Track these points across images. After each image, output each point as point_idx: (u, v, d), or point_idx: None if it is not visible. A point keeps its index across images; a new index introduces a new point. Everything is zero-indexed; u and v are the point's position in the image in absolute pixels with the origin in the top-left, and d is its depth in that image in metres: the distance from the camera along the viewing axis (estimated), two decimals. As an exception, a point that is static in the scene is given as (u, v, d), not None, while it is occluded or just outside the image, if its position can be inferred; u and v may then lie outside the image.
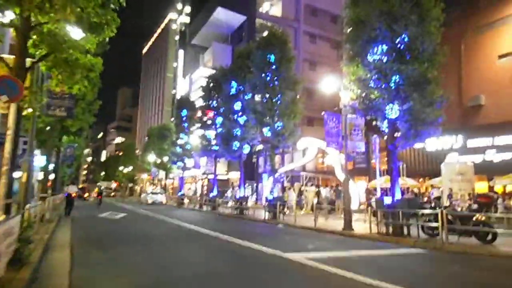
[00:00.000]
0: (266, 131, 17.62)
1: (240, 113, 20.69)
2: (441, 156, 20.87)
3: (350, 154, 13.10)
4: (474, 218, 9.02)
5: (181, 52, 54.60)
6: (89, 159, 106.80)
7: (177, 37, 58.17)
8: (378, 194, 12.35)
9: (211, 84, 25.11)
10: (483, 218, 8.89)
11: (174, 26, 59.90)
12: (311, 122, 35.66)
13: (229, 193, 29.86)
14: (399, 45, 10.54)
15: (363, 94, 11.21)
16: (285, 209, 17.76)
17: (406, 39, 10.43)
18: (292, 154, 27.78)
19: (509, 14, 26.40)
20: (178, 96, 44.58)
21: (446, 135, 20.86)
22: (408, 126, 10.52)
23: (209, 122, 25.22)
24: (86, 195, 46.66)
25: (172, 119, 44.20)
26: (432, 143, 22.06)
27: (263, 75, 17.88)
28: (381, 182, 18.53)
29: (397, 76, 10.48)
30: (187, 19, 56.48)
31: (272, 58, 17.72)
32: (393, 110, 10.61)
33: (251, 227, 14.88)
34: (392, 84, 10.52)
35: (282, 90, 17.45)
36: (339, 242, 10.37)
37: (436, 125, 10.38)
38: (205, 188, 32.25)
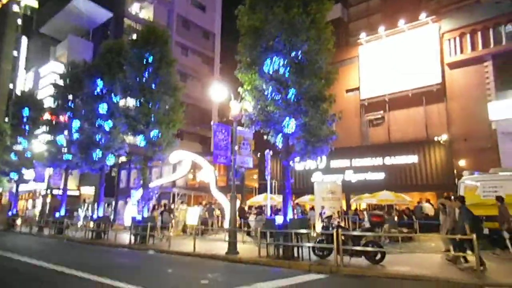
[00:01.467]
0: (139, 140, 15.11)
1: (105, 117, 17.45)
2: (307, 175, 22.19)
3: (238, 169, 12.12)
4: (364, 238, 9.05)
5: (24, 41, 45.31)
6: None
7: (19, 21, 48.22)
8: (269, 212, 11.64)
9: (68, 81, 20.83)
10: (373, 238, 9.00)
11: (15, 8, 49.57)
12: (180, 135, 33.92)
13: (80, 213, 25.16)
14: (297, 58, 10.19)
15: (260, 105, 10.43)
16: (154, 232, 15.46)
17: (304, 53, 10.14)
18: (161, 168, 25.36)
19: (354, 56, 31.15)
20: (18, 92, 36.22)
21: (312, 155, 22.46)
22: (304, 142, 10.16)
23: (62, 126, 20.72)
24: None
25: (7, 119, 35.57)
26: (300, 163, 23.37)
27: (138, 75, 15.48)
28: (259, 200, 18.23)
29: (295, 89, 10.08)
30: (34, 3, 47.56)
31: (151, 58, 15.54)
32: (289, 125, 10.10)
33: (118, 256, 12.16)
34: (291, 97, 10.03)
35: (160, 95, 15.39)
36: (231, 271, 9.02)
37: (329, 143, 10.31)
38: (48, 206, 26.31)
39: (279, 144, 10.71)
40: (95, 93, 17.88)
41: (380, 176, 20.44)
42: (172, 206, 20.97)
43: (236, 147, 11.74)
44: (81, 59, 21.91)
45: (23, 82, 42.33)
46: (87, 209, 25.53)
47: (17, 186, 26.46)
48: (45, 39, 40.49)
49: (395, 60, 27.64)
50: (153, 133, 15.04)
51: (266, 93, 10.31)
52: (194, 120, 35.25)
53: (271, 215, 11.45)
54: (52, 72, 33.94)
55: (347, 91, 31.03)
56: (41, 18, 41.15)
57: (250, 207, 19.32)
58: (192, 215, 18.10)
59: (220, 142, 12.06)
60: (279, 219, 10.14)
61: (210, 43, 40.74)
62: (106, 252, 13.22)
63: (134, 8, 36.62)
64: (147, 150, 15.14)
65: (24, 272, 8.50)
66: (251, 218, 16.10)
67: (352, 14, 41.22)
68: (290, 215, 10.09)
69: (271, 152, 14.01)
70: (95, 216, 17.45)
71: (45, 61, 38.21)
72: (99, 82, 17.89)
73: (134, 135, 15.36)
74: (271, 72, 10.25)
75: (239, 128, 12.27)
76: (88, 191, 32.16)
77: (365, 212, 17.56)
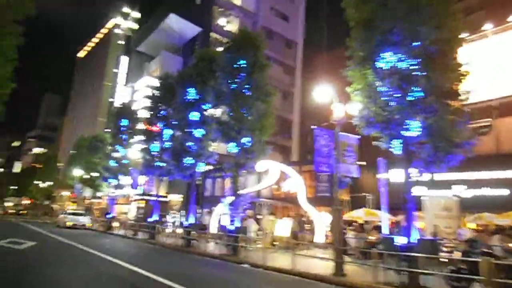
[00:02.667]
0: (231, 147, 14.65)
1: (196, 125, 17.47)
2: (403, 189, 19.65)
3: (343, 179, 10.81)
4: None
5: (124, 59, 49.92)
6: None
7: (119, 42, 53.45)
8: (385, 230, 10.05)
9: (161, 91, 21.67)
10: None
11: (117, 31, 55.16)
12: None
13: (169, 219, 25.94)
14: (423, 49, 8.58)
15: (376, 105, 9.00)
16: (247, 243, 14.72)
17: (432, 43, 8.50)
18: (246, 177, 24.95)
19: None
20: (117, 105, 39.70)
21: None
22: (432, 148, 8.47)
23: (155, 134, 21.54)
24: None
25: (107, 130, 39.07)
26: (395, 175, 20.87)
27: (231, 81, 15.15)
28: (359, 215, 16.56)
29: (421, 85, 8.45)
30: (135, 25, 52.35)
31: (244, 62, 15.10)
32: (413, 127, 8.50)
33: (213, 268, 11.59)
34: (415, 94, 8.44)
35: (253, 101, 14.82)
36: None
37: (465, 150, 8.45)
38: (141, 211, 27.75)
39: (398, 151, 9.13)
40: (187, 101, 18.04)
41: (504, 192, 17.12)
42: (259, 217, 20.24)
43: (337, 155, 10.43)
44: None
45: (121, 96, 46.39)
46: (174, 216, 26.26)
47: (115, 191, 28.39)
48: (141, 57, 44.02)
49: (504, 61, 23.64)
50: (245, 140, 14.46)
51: (383, 90, 8.87)
52: (275, 130, 34.63)
53: (392, 233, 9.82)
54: (146, 86, 36.37)
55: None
56: (139, 37, 44.91)
57: (345, 223, 17.63)
58: (281, 227, 17.13)
59: (322, 148, 10.86)
60: (400, 239, 8.52)
61: (292, 52, 40.22)
62: (198, 262, 12.79)
63: (220, 22, 37.75)
64: (240, 157, 14.60)
65: (131, 284, 8.20)
66: (350, 235, 14.50)
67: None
68: (416, 235, 8.40)
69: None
70: (185, 223, 17.42)
71: (140, 76, 41.31)
72: (191, 91, 18.04)
73: (226, 142, 14.95)
74: (389, 67, 8.81)
75: (341, 133, 10.97)
76: (175, 198, 33.31)
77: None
